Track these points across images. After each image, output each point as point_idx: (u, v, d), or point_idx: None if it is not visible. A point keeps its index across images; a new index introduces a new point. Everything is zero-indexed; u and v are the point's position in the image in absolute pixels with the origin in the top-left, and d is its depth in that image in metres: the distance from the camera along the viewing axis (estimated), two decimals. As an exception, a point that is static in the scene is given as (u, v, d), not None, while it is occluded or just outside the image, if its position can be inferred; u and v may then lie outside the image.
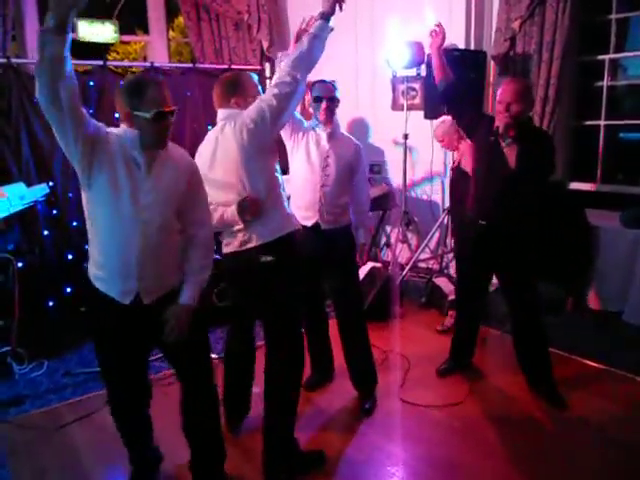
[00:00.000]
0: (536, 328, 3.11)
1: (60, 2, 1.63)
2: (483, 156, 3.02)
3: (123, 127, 1.95)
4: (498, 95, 2.88)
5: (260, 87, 2.50)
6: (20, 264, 3.75)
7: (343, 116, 5.69)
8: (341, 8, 2.32)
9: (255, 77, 2.51)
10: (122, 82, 2.20)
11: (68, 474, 2.60)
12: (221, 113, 2.41)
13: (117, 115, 2.02)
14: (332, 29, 2.32)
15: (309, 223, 2.89)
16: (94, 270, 2.04)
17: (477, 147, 3.10)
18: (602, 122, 4.58)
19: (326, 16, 2.29)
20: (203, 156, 2.39)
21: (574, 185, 4.69)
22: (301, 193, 2.91)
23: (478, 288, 3.32)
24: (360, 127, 5.65)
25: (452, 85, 3.09)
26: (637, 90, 4.21)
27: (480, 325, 3.48)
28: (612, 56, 4.49)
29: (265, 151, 2.32)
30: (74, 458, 2.69)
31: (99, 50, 5.07)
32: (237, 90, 2.39)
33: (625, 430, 2.79)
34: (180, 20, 8.21)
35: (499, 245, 3.05)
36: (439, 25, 3.13)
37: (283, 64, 2.27)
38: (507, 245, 3.04)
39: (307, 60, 2.25)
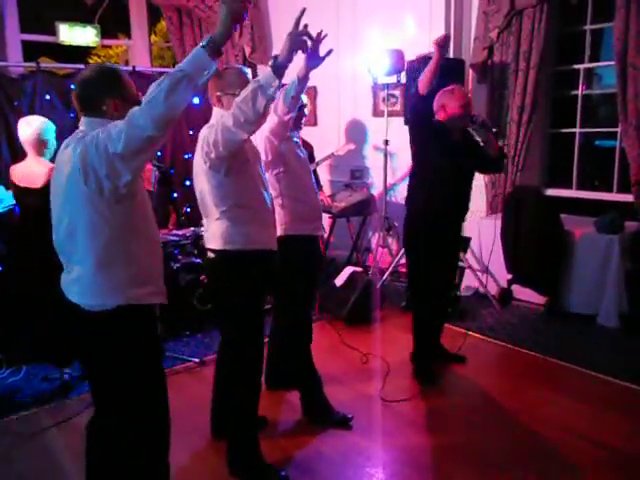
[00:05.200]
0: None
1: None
2: (444, 149, 3.24)
3: None
4: (460, 99, 3.19)
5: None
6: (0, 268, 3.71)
7: (329, 122, 5.82)
8: (304, 51, 2.16)
9: (246, 70, 2.44)
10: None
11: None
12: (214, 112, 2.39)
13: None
14: (281, 85, 2.09)
15: (320, 232, 2.98)
16: (148, 288, 1.88)
17: (433, 145, 3.26)
18: (577, 130, 4.69)
19: (278, 65, 2.05)
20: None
21: (550, 191, 4.79)
22: (311, 202, 2.88)
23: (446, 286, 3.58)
24: (355, 132, 5.73)
25: (430, 99, 3.23)
26: (611, 99, 4.32)
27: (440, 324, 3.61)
28: (587, 65, 4.61)
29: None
30: (53, 463, 2.67)
31: (80, 52, 5.06)
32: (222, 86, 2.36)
33: (596, 429, 2.86)
34: (162, 24, 8.21)
35: (453, 235, 3.44)
36: (446, 37, 3.18)
37: (235, 103, 2.10)
38: (456, 234, 3.50)
39: (249, 106, 2.04)
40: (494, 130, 3.27)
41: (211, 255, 2.44)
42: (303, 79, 2.43)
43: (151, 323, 1.93)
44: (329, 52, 2.35)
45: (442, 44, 3.08)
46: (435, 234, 3.30)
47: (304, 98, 2.85)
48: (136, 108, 1.64)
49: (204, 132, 2.31)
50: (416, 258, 3.40)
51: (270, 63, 2.07)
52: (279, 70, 2.05)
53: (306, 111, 2.96)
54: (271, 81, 2.03)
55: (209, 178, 2.32)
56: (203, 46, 1.65)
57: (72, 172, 1.73)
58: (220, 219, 2.37)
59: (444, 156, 3.25)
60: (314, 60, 2.38)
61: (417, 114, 3.29)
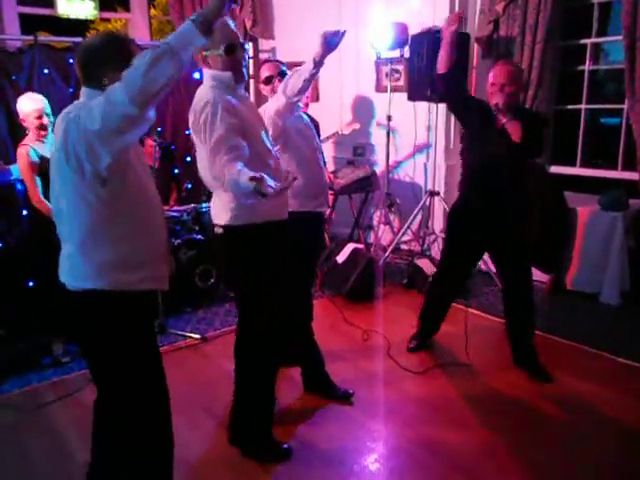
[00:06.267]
0: (527, 309, 3.20)
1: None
2: (481, 135, 3.06)
3: None
4: (491, 77, 2.95)
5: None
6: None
7: (332, 98, 5.75)
8: (235, 2, 1.78)
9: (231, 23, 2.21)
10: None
11: (54, 456, 2.58)
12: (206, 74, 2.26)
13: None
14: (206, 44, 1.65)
15: (324, 209, 2.91)
16: (138, 273, 1.79)
17: (472, 129, 3.16)
18: (583, 106, 4.63)
19: (202, 20, 1.57)
20: None
21: (554, 169, 4.74)
22: (315, 177, 2.80)
23: (464, 268, 3.39)
24: (358, 108, 5.66)
25: (454, 73, 3.15)
26: (618, 75, 4.25)
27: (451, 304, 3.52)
28: (594, 40, 4.52)
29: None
30: (58, 439, 2.68)
31: (79, 27, 4.98)
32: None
33: (604, 406, 2.87)
34: (162, -2, 8.09)
35: (494, 227, 3.12)
36: (460, 13, 3.13)
37: None
38: (502, 227, 3.11)
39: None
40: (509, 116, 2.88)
41: (219, 230, 2.35)
42: (319, 62, 2.40)
43: (143, 309, 1.86)
44: (343, 33, 2.34)
45: (454, 24, 3.03)
46: (459, 229, 3.26)
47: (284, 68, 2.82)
48: (116, 83, 1.54)
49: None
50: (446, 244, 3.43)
51: (192, 17, 1.60)
52: (201, 24, 1.56)
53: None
54: (188, 40, 1.56)
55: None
56: (192, 20, 1.55)
57: (57, 149, 1.68)
58: (223, 192, 2.25)
59: (473, 140, 3.13)
60: (331, 43, 2.37)
61: (441, 94, 3.22)
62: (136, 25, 5.52)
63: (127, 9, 5.52)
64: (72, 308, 1.81)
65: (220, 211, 2.32)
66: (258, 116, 2.40)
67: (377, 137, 5.47)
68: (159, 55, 1.50)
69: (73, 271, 1.78)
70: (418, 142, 5.10)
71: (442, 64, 3.11)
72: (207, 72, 2.27)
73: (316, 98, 5.88)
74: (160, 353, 1.97)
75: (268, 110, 2.64)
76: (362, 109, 5.63)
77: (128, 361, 1.85)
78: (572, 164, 4.71)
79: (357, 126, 5.26)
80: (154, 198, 1.88)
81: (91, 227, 1.72)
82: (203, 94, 2.20)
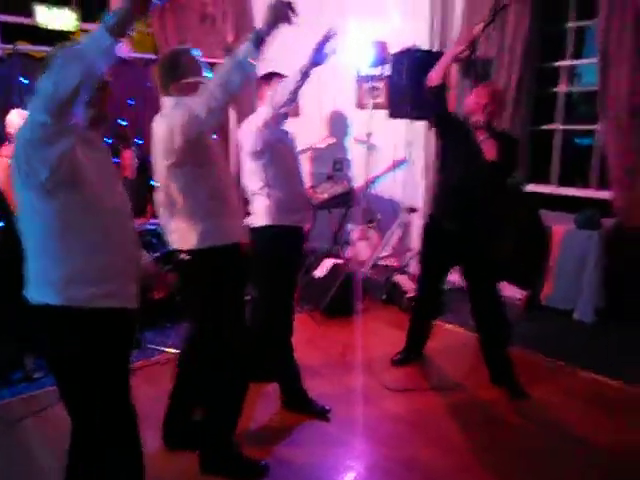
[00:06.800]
0: (498, 324, 3.24)
1: None
2: (458, 152, 3.14)
3: None
4: (474, 97, 3.07)
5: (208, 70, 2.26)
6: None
7: (312, 113, 5.77)
8: (290, 22, 1.98)
9: (196, 52, 2.27)
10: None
11: (19, 470, 2.52)
12: (166, 102, 2.23)
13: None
14: (259, 58, 1.97)
15: (307, 224, 2.94)
16: (92, 289, 1.70)
17: (451, 145, 3.24)
18: (558, 127, 4.73)
19: (257, 36, 1.94)
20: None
21: (531, 187, 4.82)
22: (298, 193, 2.84)
23: (437, 285, 3.45)
24: (337, 124, 5.69)
25: (443, 89, 3.21)
26: (591, 97, 4.36)
27: (434, 319, 3.61)
28: (569, 63, 4.63)
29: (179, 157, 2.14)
30: (26, 454, 2.61)
31: (60, 37, 4.94)
32: (178, 73, 2.20)
33: (576, 419, 2.90)
34: (143, 10, 8.07)
35: (466, 243, 3.16)
36: (475, 36, 3.39)
37: (206, 87, 2.00)
38: (474, 243, 3.16)
39: (224, 88, 1.95)
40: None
41: (185, 257, 2.27)
42: (305, 74, 2.41)
43: (105, 327, 1.73)
44: (334, 50, 2.36)
45: (464, 45, 3.24)
46: (432, 241, 3.34)
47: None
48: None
49: (159, 127, 2.17)
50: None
51: (250, 36, 1.95)
52: (259, 43, 1.94)
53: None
54: (250, 54, 1.93)
55: (176, 174, 2.17)
56: (104, 22, 1.44)
57: (13, 159, 1.61)
58: (191, 216, 2.22)
59: (451, 156, 3.21)
60: (319, 56, 2.38)
61: (431, 106, 3.28)
62: (117, 37, 5.50)
63: (108, 21, 5.49)
64: (34, 322, 1.74)
65: (186, 234, 2.25)
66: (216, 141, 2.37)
67: (356, 153, 5.51)
68: (67, 60, 1.44)
69: (31, 284, 1.71)
70: (397, 158, 5.16)
71: (436, 77, 3.14)
72: (171, 99, 2.23)
73: (296, 113, 5.90)
74: (128, 371, 1.87)
75: (255, 121, 2.65)
76: (341, 125, 5.67)
77: (83, 379, 1.76)
78: (548, 182, 4.80)
79: (333, 140, 5.29)
80: (117, 211, 1.77)
81: (43, 240, 1.65)
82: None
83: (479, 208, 3.10)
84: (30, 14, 4.53)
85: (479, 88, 3.14)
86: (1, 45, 4.58)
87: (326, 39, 2.39)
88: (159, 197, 2.32)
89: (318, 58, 2.40)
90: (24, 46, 4.98)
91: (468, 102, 3.12)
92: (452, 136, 3.20)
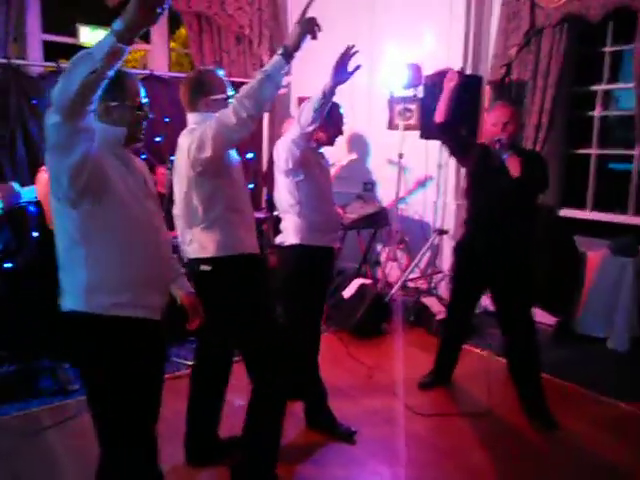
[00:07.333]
0: (531, 351, 3.14)
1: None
2: (482, 176, 3.15)
3: None
4: (493, 117, 3.05)
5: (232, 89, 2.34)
6: (9, 265, 3.71)
7: (344, 134, 5.79)
8: (315, 37, 2.08)
9: (221, 72, 2.37)
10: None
11: None
12: (192, 118, 2.31)
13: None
14: (288, 72, 2.09)
15: (336, 244, 2.95)
16: (112, 298, 1.73)
17: (472, 171, 3.27)
18: (593, 151, 4.66)
19: (288, 52, 2.06)
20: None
21: (564, 212, 4.75)
22: (330, 213, 2.87)
23: (467, 308, 3.41)
24: (360, 144, 5.70)
25: (450, 123, 3.26)
26: (627, 122, 4.29)
27: (463, 344, 3.54)
28: (605, 87, 4.58)
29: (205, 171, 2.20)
30: (50, 464, 2.64)
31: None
32: (204, 90, 2.28)
33: (606, 451, 2.80)
34: (182, 31, 8.26)
35: (496, 266, 3.12)
36: (459, 72, 3.28)
37: (236, 98, 2.06)
38: (505, 266, 3.11)
39: (255, 99, 2.01)
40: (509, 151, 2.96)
41: (206, 268, 2.30)
42: (329, 93, 2.42)
43: (129, 336, 1.75)
44: (357, 67, 2.37)
45: (453, 80, 3.22)
46: (464, 268, 3.33)
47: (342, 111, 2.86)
48: None
49: (185, 140, 2.21)
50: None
51: (279, 51, 2.06)
52: (288, 56, 2.05)
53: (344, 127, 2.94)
54: (279, 67, 2.03)
55: (199, 184, 2.23)
56: (112, 29, 1.49)
57: None
58: (210, 226, 2.28)
59: (475, 180, 3.23)
60: (341, 75, 2.39)
61: (442, 141, 3.33)
62: (155, 56, 5.65)
63: (147, 41, 5.65)
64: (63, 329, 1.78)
65: (205, 243, 2.29)
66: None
67: (387, 173, 5.50)
68: (75, 62, 1.49)
69: (62, 292, 1.76)
70: (421, 177, 5.15)
71: (439, 114, 3.26)
72: (196, 115, 2.31)
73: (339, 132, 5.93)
74: (153, 387, 1.87)
75: (284, 140, 2.68)
76: (373, 145, 5.68)
77: (103, 388, 1.78)
78: (583, 207, 4.72)
79: (354, 156, 5.28)
80: (144, 225, 1.80)
81: (69, 247, 1.71)
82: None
83: (509, 228, 3.05)
84: (74, 34, 4.69)
85: (498, 107, 3.11)
86: (44, 63, 4.74)
87: (345, 57, 2.39)
88: (177, 210, 2.38)
89: (339, 77, 2.40)
90: (67, 64, 5.14)
91: (488, 120, 3.12)
92: (471, 162, 3.24)
